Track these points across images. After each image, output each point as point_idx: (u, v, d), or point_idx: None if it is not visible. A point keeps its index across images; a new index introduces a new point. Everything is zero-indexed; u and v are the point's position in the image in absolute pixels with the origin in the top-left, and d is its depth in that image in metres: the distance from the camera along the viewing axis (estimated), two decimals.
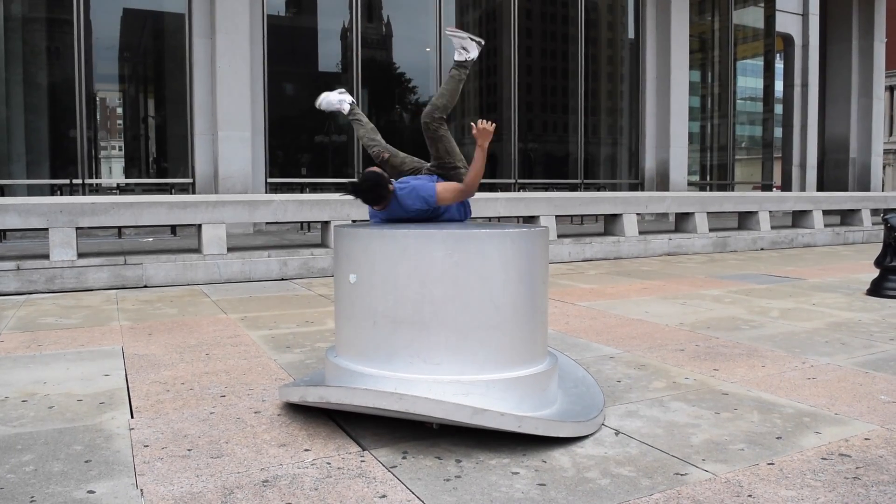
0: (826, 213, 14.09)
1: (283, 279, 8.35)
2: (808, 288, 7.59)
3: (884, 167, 25.00)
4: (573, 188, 16.62)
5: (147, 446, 2.93)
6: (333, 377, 3.31)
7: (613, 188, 17.48)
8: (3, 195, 11.02)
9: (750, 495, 2.43)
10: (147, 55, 14.51)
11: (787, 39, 24.07)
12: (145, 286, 7.74)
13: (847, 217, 14.63)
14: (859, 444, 2.91)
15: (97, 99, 13.44)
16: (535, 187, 16.17)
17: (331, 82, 15.39)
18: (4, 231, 9.94)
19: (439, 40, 15.10)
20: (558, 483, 2.56)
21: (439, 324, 3.00)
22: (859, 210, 14.42)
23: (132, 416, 3.33)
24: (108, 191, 13.10)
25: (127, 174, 14.33)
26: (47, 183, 12.47)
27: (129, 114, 14.93)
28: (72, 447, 2.93)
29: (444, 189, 3.63)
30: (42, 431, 3.12)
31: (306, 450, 2.88)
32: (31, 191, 12.16)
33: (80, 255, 7.66)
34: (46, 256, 7.50)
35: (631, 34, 17.96)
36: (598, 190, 16.83)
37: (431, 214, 3.67)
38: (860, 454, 2.81)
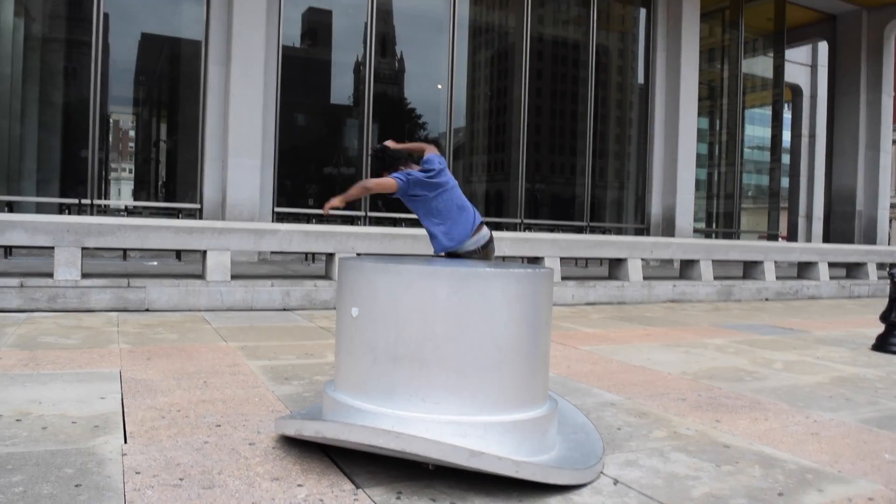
0: (832, 265, 14.06)
1: (285, 309, 8.33)
2: (813, 341, 7.53)
3: (890, 221, 24.99)
4: (579, 230, 16.64)
5: (139, 473, 2.89)
6: (331, 412, 3.27)
7: (619, 232, 17.50)
8: (11, 211, 11.07)
9: None
10: (162, 80, 14.70)
11: (796, 90, 24.33)
12: (147, 310, 7.72)
13: (853, 270, 14.59)
14: None
15: (110, 120, 13.59)
16: (541, 228, 16.20)
17: (342, 115, 15.58)
18: (10, 247, 9.96)
19: (451, 77, 15.26)
20: None
21: (440, 362, 2.97)
22: (865, 263, 14.39)
23: (126, 442, 3.29)
24: (116, 212, 13.16)
25: (135, 196, 14.43)
26: (56, 202, 12.53)
27: (141, 137, 15.07)
28: (63, 470, 2.89)
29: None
30: (34, 452, 3.09)
31: (299, 485, 2.84)
32: (40, 208, 12.22)
33: (84, 276, 7.66)
34: (50, 275, 7.50)
35: (641, 79, 18.13)
36: (604, 233, 16.85)
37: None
38: None
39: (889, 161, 21.77)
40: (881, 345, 6.98)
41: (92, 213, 11.88)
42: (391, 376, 3.02)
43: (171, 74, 14.59)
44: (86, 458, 3.04)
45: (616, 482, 3.01)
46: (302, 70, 14.71)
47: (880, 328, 7.23)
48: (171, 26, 14.03)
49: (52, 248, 7.58)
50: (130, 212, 13.20)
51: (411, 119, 16.59)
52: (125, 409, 3.84)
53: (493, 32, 17.57)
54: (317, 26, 15.31)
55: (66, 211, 11.95)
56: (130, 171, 15.20)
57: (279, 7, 13.33)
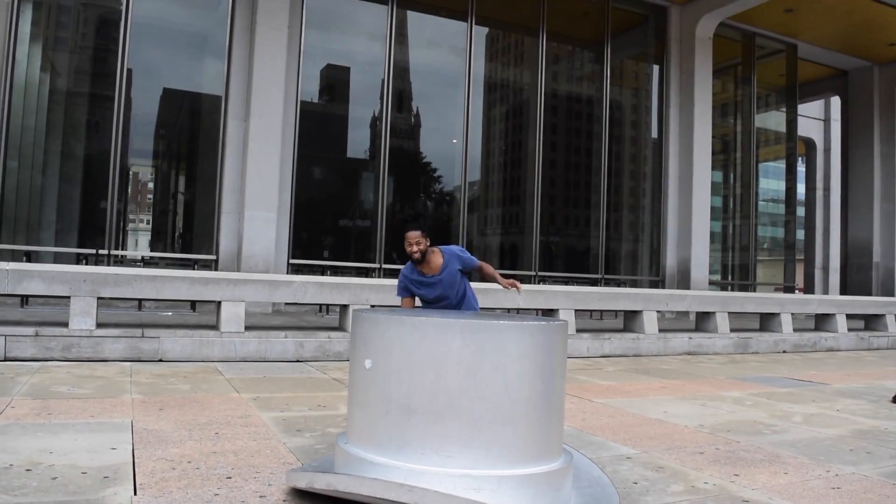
0: (850, 317, 13.90)
1: (298, 360, 8.31)
2: (832, 393, 7.40)
3: None
4: (593, 283, 16.59)
5: None
6: (343, 464, 3.24)
7: (634, 284, 17.44)
8: (30, 261, 11.20)
9: None
10: (182, 133, 14.98)
11: (809, 143, 24.44)
12: (160, 360, 7.73)
13: (871, 322, 14.41)
14: None
15: (130, 173, 13.82)
16: (556, 280, 16.18)
17: (358, 168, 15.78)
18: (27, 297, 10.05)
19: (466, 132, 15.46)
20: None
21: (453, 415, 2.95)
22: (884, 315, 14.22)
23: (136, 493, 3.27)
24: (132, 263, 13.29)
25: (152, 247, 14.57)
26: (73, 251, 12.69)
27: (159, 189, 15.29)
28: None
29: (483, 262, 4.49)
30: (43, 503, 3.07)
31: None
32: (58, 258, 12.36)
33: (99, 325, 7.70)
34: (65, 324, 7.55)
35: (654, 133, 18.29)
36: (619, 286, 16.79)
37: (458, 288, 4.33)
38: None
39: None
40: None
41: (109, 264, 12.00)
42: (404, 429, 3.00)
43: (191, 128, 14.89)
44: None
45: None
46: (319, 124, 14.96)
47: None
48: (192, 81, 14.37)
49: (69, 297, 7.64)
50: (147, 262, 13.32)
51: (426, 172, 16.76)
52: (136, 460, 3.82)
53: (507, 88, 17.86)
54: (335, 82, 15.63)
55: (84, 261, 12.08)
56: (148, 223, 15.39)
57: (298, 63, 13.64)
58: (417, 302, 4.65)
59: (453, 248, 4.50)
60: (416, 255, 4.25)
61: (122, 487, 3.35)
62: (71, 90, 13.48)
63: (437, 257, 4.35)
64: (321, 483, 3.01)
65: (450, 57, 15.96)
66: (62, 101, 13.46)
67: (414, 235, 4.25)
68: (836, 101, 23.46)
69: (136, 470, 3.64)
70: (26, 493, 3.20)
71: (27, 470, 3.54)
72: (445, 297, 4.36)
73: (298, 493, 3.33)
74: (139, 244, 15.56)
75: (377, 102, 15.09)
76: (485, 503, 2.72)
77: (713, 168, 17.97)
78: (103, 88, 13.15)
